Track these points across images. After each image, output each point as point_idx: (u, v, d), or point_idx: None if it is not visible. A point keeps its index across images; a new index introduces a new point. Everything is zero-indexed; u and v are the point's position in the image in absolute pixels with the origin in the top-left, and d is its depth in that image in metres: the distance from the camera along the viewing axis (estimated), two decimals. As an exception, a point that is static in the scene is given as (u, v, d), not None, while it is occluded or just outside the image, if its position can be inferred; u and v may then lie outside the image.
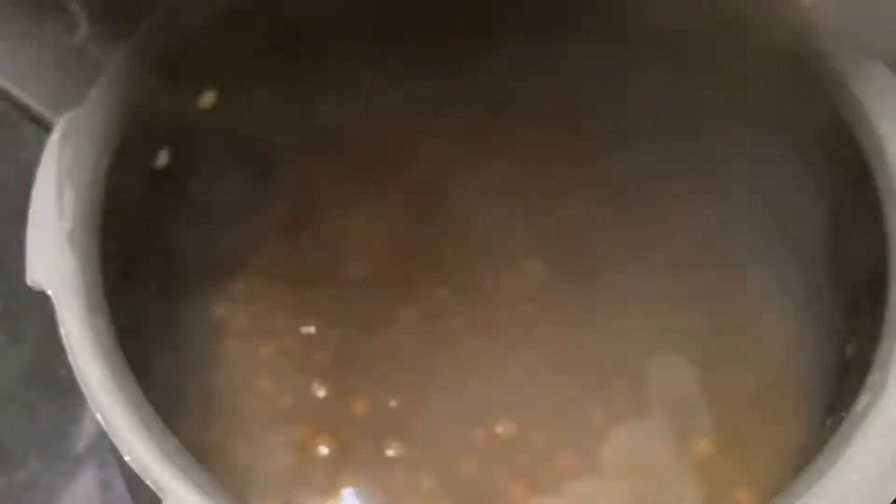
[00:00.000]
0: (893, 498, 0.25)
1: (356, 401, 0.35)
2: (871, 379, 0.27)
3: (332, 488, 0.33)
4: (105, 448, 0.37)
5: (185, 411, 0.34)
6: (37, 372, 0.39)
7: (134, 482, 0.25)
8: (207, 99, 0.35)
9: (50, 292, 0.27)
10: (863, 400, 0.26)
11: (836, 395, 0.30)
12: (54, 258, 0.27)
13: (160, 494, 0.24)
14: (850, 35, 0.32)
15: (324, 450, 0.34)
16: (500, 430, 0.34)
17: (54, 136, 0.30)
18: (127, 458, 0.24)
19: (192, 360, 0.35)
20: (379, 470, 0.34)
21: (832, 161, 0.32)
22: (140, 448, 0.25)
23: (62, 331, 0.26)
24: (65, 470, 0.37)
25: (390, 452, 0.34)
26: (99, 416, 0.25)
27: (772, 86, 0.34)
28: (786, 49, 0.33)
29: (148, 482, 0.24)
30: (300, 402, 0.35)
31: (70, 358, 0.26)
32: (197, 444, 0.33)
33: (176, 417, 0.33)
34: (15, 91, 0.33)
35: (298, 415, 0.34)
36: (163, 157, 0.34)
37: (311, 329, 0.36)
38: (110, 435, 0.25)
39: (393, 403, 0.35)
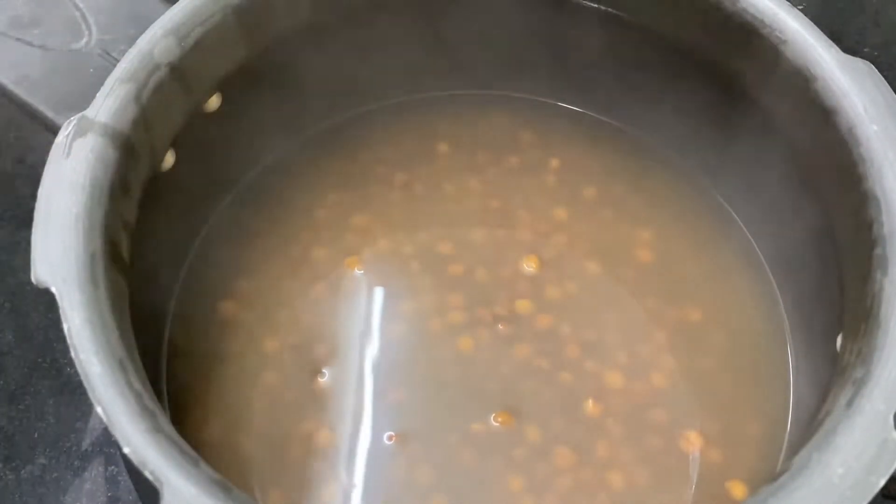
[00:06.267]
0: (877, 490, 0.25)
1: (357, 394, 0.35)
2: (856, 374, 0.27)
3: (332, 480, 0.34)
4: (111, 444, 0.38)
5: (191, 405, 0.35)
6: (44, 369, 0.40)
7: (136, 474, 0.26)
8: (212, 102, 0.36)
9: (54, 289, 0.27)
10: (847, 394, 0.27)
11: (827, 389, 0.30)
12: (58, 256, 0.28)
13: (158, 486, 0.25)
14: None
15: (325, 442, 0.34)
16: (497, 423, 0.35)
17: (60, 138, 0.30)
18: (126, 451, 0.25)
19: (198, 355, 0.36)
20: (379, 462, 0.34)
21: (817, 155, 0.33)
22: (139, 441, 0.25)
23: (65, 326, 0.27)
24: (71, 466, 0.38)
25: (390, 445, 0.34)
26: (99, 410, 0.26)
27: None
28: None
29: (146, 474, 0.25)
30: (303, 395, 0.35)
31: (72, 352, 0.26)
32: (201, 438, 0.34)
33: (182, 411, 0.34)
34: (23, 95, 0.34)
35: (301, 408, 0.35)
36: (169, 159, 0.34)
37: (315, 323, 0.37)
38: (110, 428, 0.25)
39: (393, 397, 0.35)
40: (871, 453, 0.25)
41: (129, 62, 0.32)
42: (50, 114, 0.34)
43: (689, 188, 0.40)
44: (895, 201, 0.30)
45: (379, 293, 0.38)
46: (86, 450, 0.38)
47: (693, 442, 0.35)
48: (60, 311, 0.27)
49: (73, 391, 0.39)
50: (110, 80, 0.32)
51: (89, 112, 0.31)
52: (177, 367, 0.36)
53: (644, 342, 0.37)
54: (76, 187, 0.29)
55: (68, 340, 0.27)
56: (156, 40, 0.33)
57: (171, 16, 0.33)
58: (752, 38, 0.34)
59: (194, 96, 0.35)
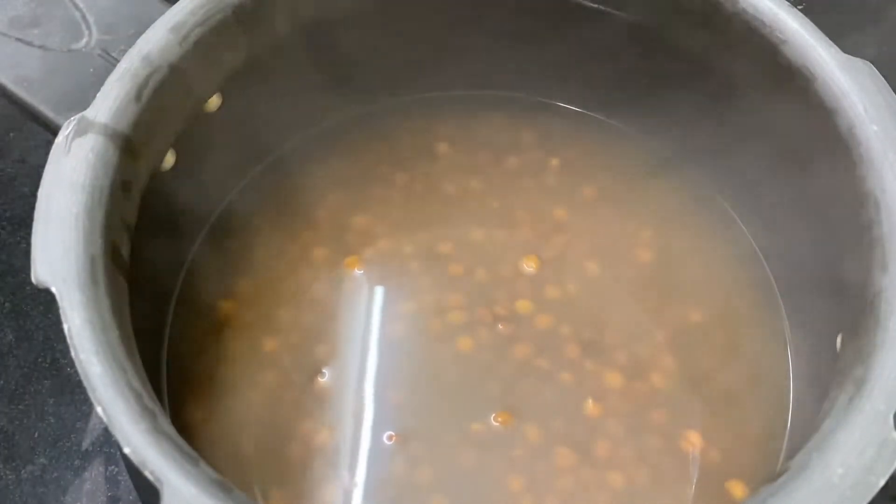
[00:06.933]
0: (877, 490, 0.25)
1: (357, 394, 0.35)
2: (856, 374, 0.27)
3: (332, 480, 0.34)
4: (111, 444, 0.38)
5: (191, 405, 0.35)
6: (44, 369, 0.40)
7: (136, 474, 0.26)
8: (212, 102, 0.36)
9: (54, 289, 0.27)
10: (847, 394, 0.27)
11: (827, 389, 0.30)
12: (58, 256, 0.28)
13: (158, 486, 0.25)
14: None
15: (324, 442, 0.34)
16: (497, 423, 0.35)
17: (60, 138, 0.30)
18: (126, 451, 0.25)
19: (197, 355, 0.36)
20: (379, 462, 0.34)
21: (817, 156, 0.33)
22: (139, 441, 0.25)
23: (65, 326, 0.27)
24: (71, 466, 0.38)
25: (390, 445, 0.34)
26: (99, 410, 0.26)
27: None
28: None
29: (147, 474, 0.25)
30: (303, 396, 0.35)
31: (72, 353, 0.26)
32: (201, 438, 0.34)
33: (182, 411, 0.34)
34: (23, 95, 0.34)
35: (301, 408, 0.35)
36: (169, 159, 0.34)
37: (315, 323, 0.37)
38: (110, 428, 0.25)
39: (393, 397, 0.35)
40: (871, 453, 0.25)
41: (129, 62, 0.32)
42: (50, 114, 0.34)
43: (689, 188, 0.40)
44: (895, 201, 0.30)
45: (379, 293, 0.38)
46: (86, 450, 0.38)
47: (693, 442, 0.35)
48: (60, 311, 0.27)
49: (73, 391, 0.39)
50: (110, 80, 0.32)
51: (89, 112, 0.31)
52: (177, 367, 0.36)
53: (644, 342, 0.37)
54: (76, 187, 0.29)
55: (68, 340, 0.26)
56: (156, 40, 0.33)
57: (171, 16, 0.33)
58: (752, 38, 0.34)
59: (194, 96, 0.35)
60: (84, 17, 0.36)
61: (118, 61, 0.32)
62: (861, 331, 0.28)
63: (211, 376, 0.36)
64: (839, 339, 0.30)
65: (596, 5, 0.38)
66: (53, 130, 0.32)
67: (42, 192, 0.29)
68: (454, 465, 0.34)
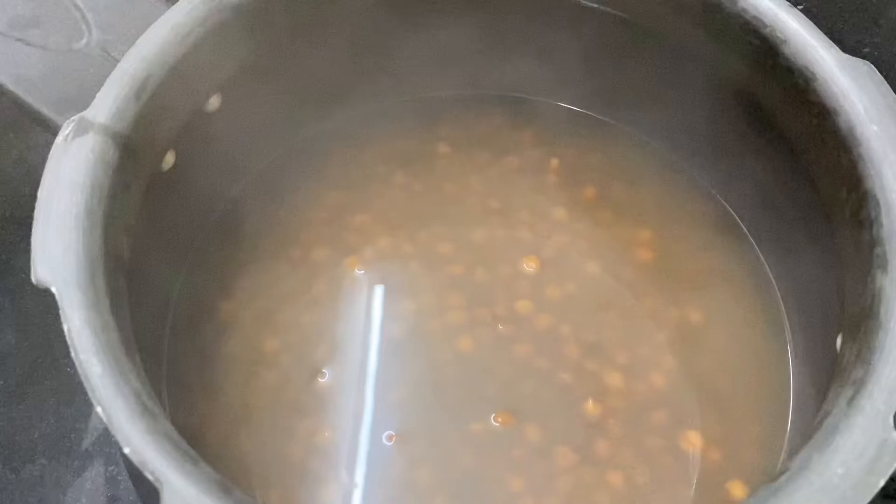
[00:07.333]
0: (877, 490, 0.25)
1: (357, 394, 0.35)
2: (856, 374, 0.27)
3: (332, 480, 0.34)
4: (111, 444, 0.38)
5: (190, 405, 0.35)
6: (44, 369, 0.40)
7: (136, 474, 0.26)
8: (212, 102, 0.36)
9: (54, 289, 0.27)
10: (847, 394, 0.27)
11: (827, 389, 0.30)
12: (59, 256, 0.28)
13: (158, 486, 0.25)
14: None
15: (325, 442, 0.34)
16: (497, 423, 0.35)
17: (60, 138, 0.30)
18: (126, 451, 0.25)
19: (198, 355, 0.36)
20: (379, 462, 0.34)
21: (817, 155, 0.33)
22: (139, 441, 0.25)
23: (65, 326, 0.27)
24: (72, 466, 0.38)
25: (390, 445, 0.34)
26: (99, 410, 0.26)
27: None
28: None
29: (147, 474, 0.25)
30: (303, 395, 0.35)
31: (72, 353, 0.26)
32: (201, 438, 0.34)
33: (182, 411, 0.34)
34: (23, 95, 0.34)
35: (301, 408, 0.35)
36: (169, 159, 0.34)
37: (315, 323, 0.37)
38: (110, 428, 0.25)
39: (393, 397, 0.35)
40: (871, 453, 0.25)
41: (128, 62, 0.32)
42: (50, 114, 0.34)
43: (689, 188, 0.40)
44: (895, 201, 0.30)
45: (379, 293, 0.38)
46: (86, 450, 0.38)
47: (693, 442, 0.35)
48: (60, 312, 0.27)
49: (73, 391, 0.39)
50: (110, 81, 0.32)
51: (89, 112, 0.31)
52: (177, 368, 0.36)
53: (644, 342, 0.37)
54: (76, 187, 0.29)
55: (68, 341, 0.27)
56: (156, 40, 0.33)
57: (171, 16, 0.33)
58: (752, 38, 0.34)
59: (194, 96, 0.35)
60: (84, 16, 0.36)
61: (118, 61, 0.32)
62: (861, 331, 0.28)
63: (211, 376, 0.36)
64: (839, 339, 0.30)
65: (595, 5, 0.38)
66: (53, 130, 0.32)
67: (42, 192, 0.29)
68: (454, 465, 0.34)
